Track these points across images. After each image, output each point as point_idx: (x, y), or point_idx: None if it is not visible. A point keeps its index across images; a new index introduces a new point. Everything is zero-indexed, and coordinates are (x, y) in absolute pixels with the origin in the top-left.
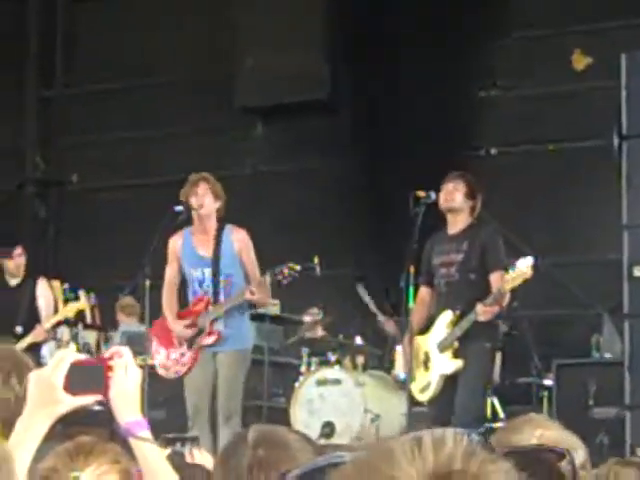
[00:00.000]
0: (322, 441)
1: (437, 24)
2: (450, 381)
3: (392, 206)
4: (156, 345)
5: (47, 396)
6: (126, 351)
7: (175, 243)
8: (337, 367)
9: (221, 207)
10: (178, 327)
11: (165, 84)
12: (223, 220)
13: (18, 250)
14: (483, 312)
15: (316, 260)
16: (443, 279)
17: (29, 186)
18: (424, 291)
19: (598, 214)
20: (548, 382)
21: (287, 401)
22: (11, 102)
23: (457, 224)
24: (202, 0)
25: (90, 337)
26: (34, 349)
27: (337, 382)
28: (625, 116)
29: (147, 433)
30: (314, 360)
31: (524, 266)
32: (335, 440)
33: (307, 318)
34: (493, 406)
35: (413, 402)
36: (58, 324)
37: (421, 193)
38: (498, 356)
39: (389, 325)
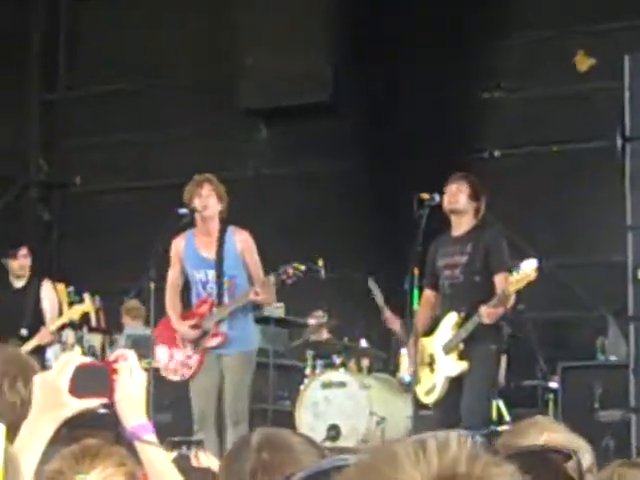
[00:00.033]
0: (328, 444)
1: (439, 25)
2: (455, 383)
3: (396, 208)
4: (160, 344)
5: (52, 399)
6: (131, 354)
7: (177, 245)
8: (342, 370)
9: (224, 209)
10: (183, 327)
11: (168, 86)
12: (226, 222)
13: (23, 251)
14: (487, 314)
15: (320, 263)
16: (447, 281)
17: (33, 189)
18: (428, 293)
19: (602, 216)
20: (553, 385)
21: (292, 404)
22: (14, 104)
23: (461, 226)
24: (205, 1)
25: (95, 340)
26: (39, 352)
27: (342, 385)
28: (628, 117)
29: (152, 436)
30: (319, 363)
31: (528, 268)
32: (341, 443)
33: (312, 321)
34: (498, 409)
35: (418, 405)
36: (63, 327)
37: (425, 195)
38: (503, 359)
39: (394, 323)
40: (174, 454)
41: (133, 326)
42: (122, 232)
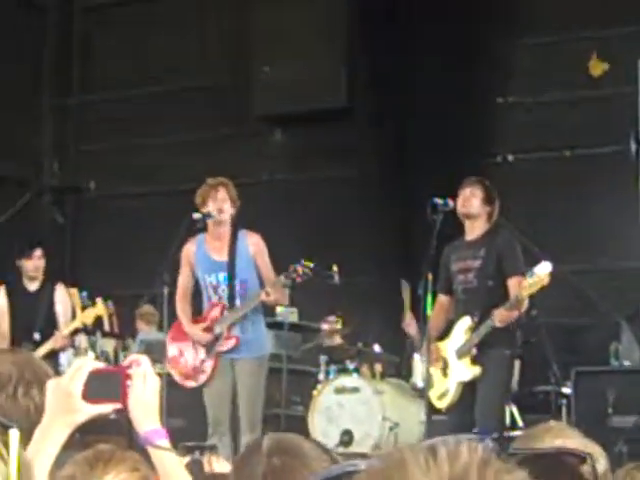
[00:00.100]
0: (340, 449)
1: (453, 30)
2: (468, 388)
3: (410, 213)
4: (171, 343)
5: (65, 405)
6: (145, 360)
7: (189, 250)
8: (355, 375)
9: (235, 213)
10: (195, 331)
11: (182, 91)
12: (237, 225)
13: (38, 252)
14: (499, 317)
15: (335, 268)
16: (461, 285)
17: (46, 193)
18: (442, 298)
19: (616, 221)
20: (566, 390)
21: (305, 409)
22: (28, 109)
23: (474, 230)
24: (220, 8)
25: (108, 345)
26: (52, 357)
27: (355, 390)
28: None
29: (166, 442)
30: (332, 368)
31: (542, 272)
32: (354, 448)
33: (325, 326)
34: (512, 414)
35: (432, 409)
36: (76, 331)
37: (439, 200)
38: (517, 364)
39: (412, 328)
40: (187, 459)
41: (147, 331)
42: (136, 237)
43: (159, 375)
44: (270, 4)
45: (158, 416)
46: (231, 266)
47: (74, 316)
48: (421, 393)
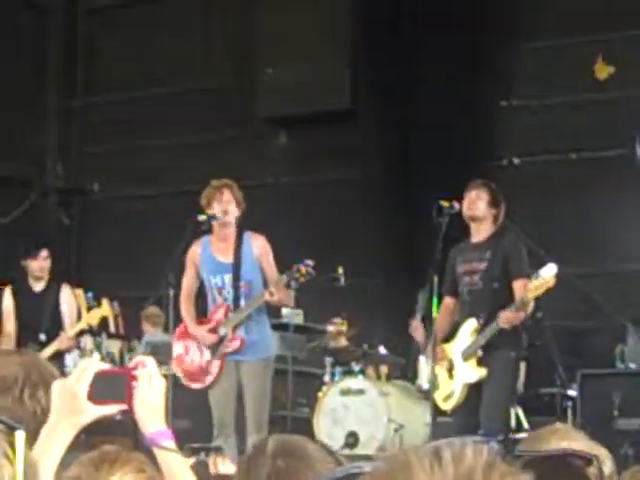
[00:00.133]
0: (346, 451)
1: (458, 34)
2: (474, 390)
3: (415, 216)
4: (177, 341)
5: (71, 406)
6: (150, 361)
7: (194, 252)
8: (361, 377)
9: (240, 214)
10: (200, 332)
11: (186, 93)
12: (242, 227)
13: (44, 252)
14: (505, 319)
15: (340, 270)
16: (466, 287)
17: (52, 195)
18: (448, 300)
19: (621, 223)
20: (572, 392)
21: (311, 411)
22: (33, 110)
23: (480, 233)
24: (224, 10)
25: (114, 346)
26: (58, 358)
27: (361, 392)
28: None
29: (171, 443)
30: (338, 370)
31: (547, 275)
32: (359, 450)
33: (330, 328)
34: (517, 416)
35: (437, 411)
36: (82, 332)
37: (444, 203)
38: (522, 366)
39: (419, 332)
40: (193, 460)
41: (153, 333)
42: (141, 238)
43: (165, 376)
44: (274, 7)
45: (163, 417)
46: (236, 268)
47: (79, 317)
48: (426, 395)
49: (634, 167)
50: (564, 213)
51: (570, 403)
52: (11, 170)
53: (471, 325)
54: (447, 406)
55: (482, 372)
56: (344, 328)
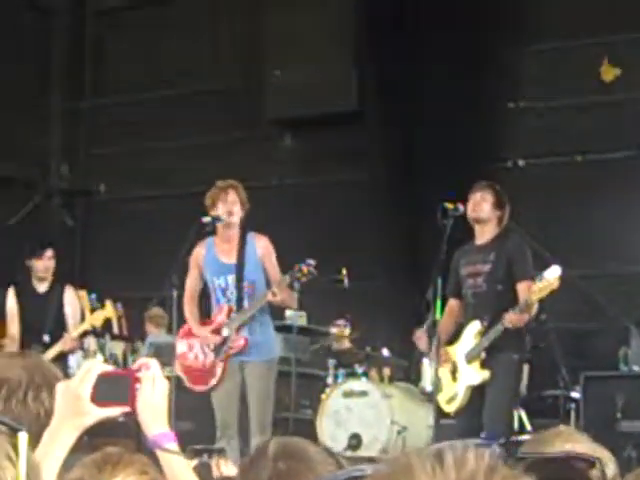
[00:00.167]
0: (349, 453)
1: (464, 35)
2: (477, 392)
3: (420, 218)
4: (180, 339)
5: (74, 407)
6: (154, 363)
7: (198, 254)
8: (364, 379)
9: (244, 215)
10: (203, 333)
11: (194, 95)
12: (246, 228)
13: (49, 252)
14: (510, 320)
15: (344, 272)
16: (470, 290)
17: (56, 196)
18: (452, 302)
19: (626, 226)
20: (575, 395)
21: (314, 413)
22: (39, 112)
23: (484, 234)
24: (232, 11)
25: (117, 348)
26: (61, 359)
27: (364, 394)
28: None
29: (174, 445)
30: (341, 372)
31: (551, 276)
32: (362, 452)
33: (334, 329)
34: (520, 418)
35: (440, 413)
36: (85, 333)
37: (449, 205)
38: (525, 368)
39: (422, 341)
40: (195, 462)
41: (156, 334)
42: (146, 240)
43: (168, 378)
44: (282, 9)
45: (166, 419)
46: (240, 268)
47: (83, 318)
48: (429, 397)
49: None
50: (569, 215)
51: (573, 405)
52: (15, 171)
53: (475, 327)
54: (450, 408)
55: (485, 374)
56: (347, 330)
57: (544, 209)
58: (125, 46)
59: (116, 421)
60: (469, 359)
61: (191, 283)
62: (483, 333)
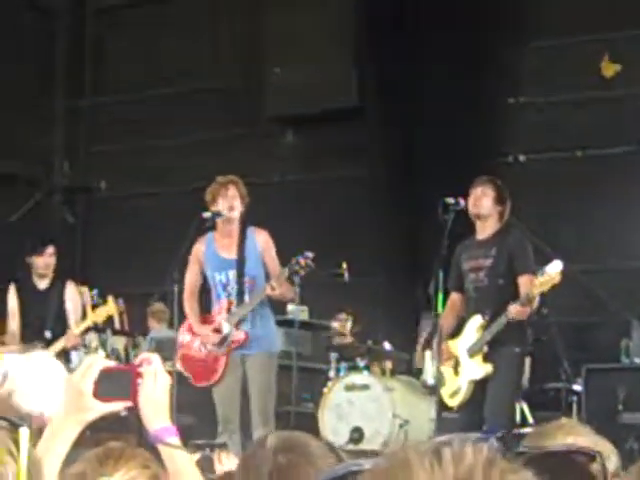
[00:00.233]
0: (351, 446)
1: (464, 31)
2: (480, 386)
3: (421, 213)
4: (185, 333)
5: (76, 402)
6: (155, 358)
7: (198, 250)
8: (365, 372)
9: (244, 210)
10: (204, 332)
11: (194, 93)
12: (245, 223)
13: (50, 249)
14: (515, 311)
15: (344, 266)
16: (472, 284)
17: (57, 193)
18: (454, 296)
19: (626, 221)
20: (577, 387)
21: (316, 406)
22: (40, 110)
23: (486, 229)
24: (231, 9)
25: (118, 343)
26: (63, 355)
27: (366, 387)
28: None
29: (176, 440)
30: (343, 365)
31: (553, 271)
32: (364, 445)
33: (335, 324)
34: (522, 411)
35: (442, 406)
36: (87, 329)
37: (450, 200)
38: (527, 361)
39: (419, 359)
40: (197, 456)
41: (158, 329)
42: (147, 237)
43: (169, 373)
44: (282, 8)
45: (168, 414)
46: (240, 263)
47: (84, 314)
48: (431, 390)
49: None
50: (569, 210)
51: (575, 398)
52: (18, 169)
53: (477, 321)
54: (454, 402)
55: (488, 368)
56: (349, 324)
57: (544, 204)
58: (125, 44)
59: (118, 416)
60: (471, 353)
61: (191, 279)
62: (485, 327)
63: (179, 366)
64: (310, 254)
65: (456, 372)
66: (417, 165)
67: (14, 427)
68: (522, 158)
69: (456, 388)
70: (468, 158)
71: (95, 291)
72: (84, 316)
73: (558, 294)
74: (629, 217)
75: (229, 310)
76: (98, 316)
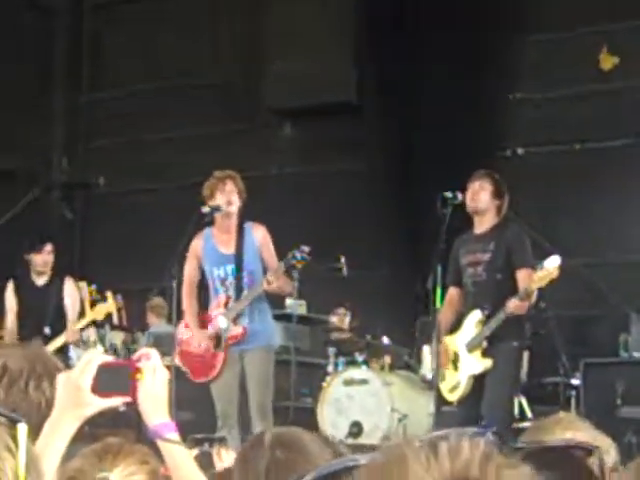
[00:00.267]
0: (350, 441)
1: (462, 25)
2: (479, 381)
3: (420, 207)
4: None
5: (75, 398)
6: (154, 353)
7: (197, 246)
8: (364, 367)
9: (242, 205)
10: (202, 336)
11: (193, 86)
12: (243, 217)
13: (48, 247)
14: (514, 306)
15: (342, 260)
16: (470, 279)
17: (56, 189)
18: (453, 291)
19: (626, 214)
20: (576, 381)
21: (314, 401)
22: (39, 105)
23: (484, 224)
24: (231, 5)
25: (117, 338)
26: (62, 350)
27: (364, 382)
28: None
29: (175, 435)
30: (341, 360)
31: (551, 266)
32: (363, 440)
33: (334, 318)
34: (521, 406)
35: (441, 401)
36: (86, 325)
37: (448, 194)
38: (525, 355)
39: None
40: (196, 452)
41: (157, 324)
42: (145, 232)
43: (168, 368)
44: (282, 2)
45: (167, 409)
46: (239, 258)
47: (82, 310)
48: (430, 385)
49: (639, 157)
50: (568, 204)
51: (573, 392)
52: (17, 165)
53: (476, 316)
54: (453, 397)
55: (487, 363)
56: (347, 319)
57: (543, 198)
58: (122, 40)
59: (117, 411)
60: (470, 348)
61: (190, 274)
62: (484, 322)
63: (178, 362)
64: (306, 248)
65: (455, 367)
66: (416, 159)
67: (12, 423)
68: (521, 151)
69: (455, 383)
70: (467, 152)
71: (94, 286)
72: (82, 311)
73: (557, 288)
74: (628, 210)
75: (226, 305)
76: (97, 313)
